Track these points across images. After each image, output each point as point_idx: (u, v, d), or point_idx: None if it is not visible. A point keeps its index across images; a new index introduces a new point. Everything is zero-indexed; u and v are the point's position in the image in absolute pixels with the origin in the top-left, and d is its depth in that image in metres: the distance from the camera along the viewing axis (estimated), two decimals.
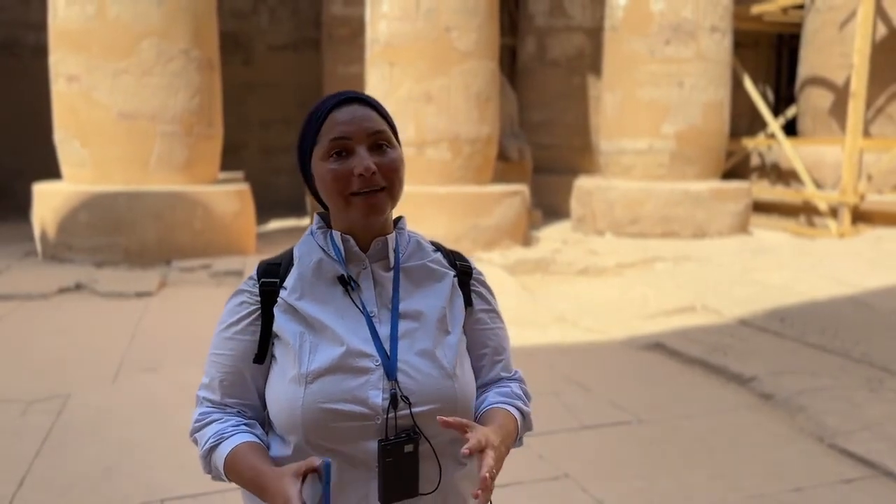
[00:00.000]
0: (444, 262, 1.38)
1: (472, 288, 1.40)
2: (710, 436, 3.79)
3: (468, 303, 1.38)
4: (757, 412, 4.12)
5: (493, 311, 1.43)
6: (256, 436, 1.31)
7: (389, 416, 1.22)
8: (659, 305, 6.36)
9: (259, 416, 1.35)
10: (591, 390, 4.39)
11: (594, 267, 7.86)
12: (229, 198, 8.16)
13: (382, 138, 1.27)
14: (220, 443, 1.28)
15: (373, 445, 1.21)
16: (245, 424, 1.31)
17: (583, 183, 10.64)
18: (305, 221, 11.43)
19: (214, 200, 8.00)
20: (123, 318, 5.90)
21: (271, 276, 1.32)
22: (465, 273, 1.39)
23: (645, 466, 3.43)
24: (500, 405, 1.37)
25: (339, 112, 1.26)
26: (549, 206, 11.93)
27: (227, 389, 1.32)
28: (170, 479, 3.22)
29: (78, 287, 6.78)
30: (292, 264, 1.33)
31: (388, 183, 1.26)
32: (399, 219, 1.39)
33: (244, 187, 8.52)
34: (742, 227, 10.19)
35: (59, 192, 7.85)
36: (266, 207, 10.75)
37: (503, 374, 1.44)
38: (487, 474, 1.16)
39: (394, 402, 1.22)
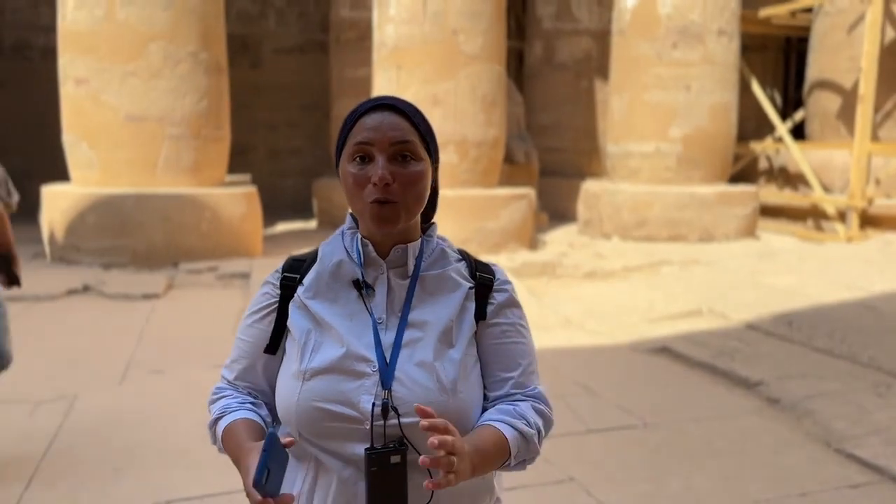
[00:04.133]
0: (465, 272, 1.36)
1: (490, 301, 1.35)
2: (717, 440, 3.78)
3: (481, 316, 1.34)
4: (764, 416, 4.11)
5: (511, 326, 1.37)
6: (260, 416, 1.35)
7: (377, 423, 1.21)
8: (665, 309, 6.35)
9: (269, 402, 1.39)
10: (597, 394, 4.39)
11: (601, 270, 7.85)
12: (236, 200, 8.18)
13: (406, 149, 1.25)
14: (223, 416, 1.34)
15: (361, 450, 1.21)
16: (251, 403, 1.37)
17: (589, 186, 10.63)
18: (312, 224, 11.45)
19: (222, 203, 8.03)
20: (131, 319, 5.92)
21: (294, 271, 1.35)
22: (483, 285, 1.36)
23: (651, 470, 3.42)
24: (492, 423, 1.28)
25: (368, 117, 1.27)
26: (555, 210, 11.92)
27: (241, 373, 1.39)
28: (177, 480, 3.23)
29: (85, 289, 6.81)
30: (316, 261, 1.35)
31: (403, 196, 1.24)
32: (430, 225, 1.38)
33: (251, 190, 8.55)
34: (749, 231, 10.17)
35: (68, 193, 7.88)
36: (273, 210, 10.78)
37: (513, 391, 1.34)
38: (427, 459, 1.09)
39: (385, 410, 1.21)
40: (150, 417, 3.92)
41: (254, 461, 1.12)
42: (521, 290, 6.74)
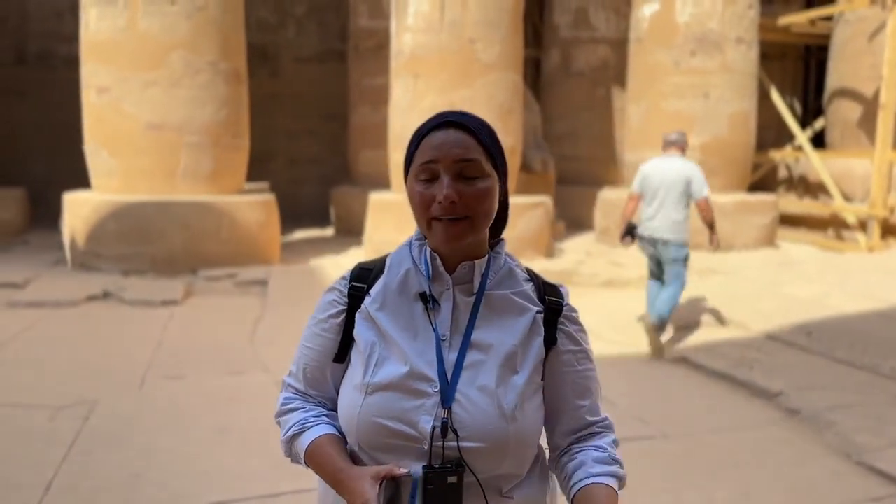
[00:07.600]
0: (533, 295, 1.34)
1: (560, 326, 1.35)
2: (736, 451, 3.75)
3: (552, 341, 1.33)
4: (784, 428, 4.07)
5: (582, 352, 1.37)
6: (336, 428, 1.35)
7: (436, 444, 1.22)
8: (684, 319, 6.30)
9: (336, 409, 1.39)
10: (615, 404, 4.36)
11: (618, 279, 7.82)
12: (255, 208, 8.24)
13: (471, 166, 1.24)
14: (303, 432, 1.33)
15: (419, 468, 1.22)
16: (325, 416, 1.37)
17: (607, 194, 10.59)
18: (330, 232, 11.49)
19: (240, 210, 8.09)
20: (150, 326, 5.97)
21: (361, 280, 1.35)
22: (553, 310, 1.35)
23: (669, 481, 3.40)
24: (601, 481, 1.33)
25: (433, 135, 1.26)
26: (572, 218, 11.88)
27: (310, 381, 1.38)
28: (195, 486, 3.25)
29: (105, 295, 6.87)
30: (383, 271, 1.34)
31: (470, 213, 1.23)
32: (499, 242, 1.36)
33: (270, 198, 8.60)
34: (769, 241, 10.08)
35: (88, 201, 7.97)
36: (291, 218, 10.83)
37: (589, 419, 1.39)
38: None
39: (444, 430, 1.22)
40: (169, 423, 3.95)
41: (372, 491, 1.18)
42: None
